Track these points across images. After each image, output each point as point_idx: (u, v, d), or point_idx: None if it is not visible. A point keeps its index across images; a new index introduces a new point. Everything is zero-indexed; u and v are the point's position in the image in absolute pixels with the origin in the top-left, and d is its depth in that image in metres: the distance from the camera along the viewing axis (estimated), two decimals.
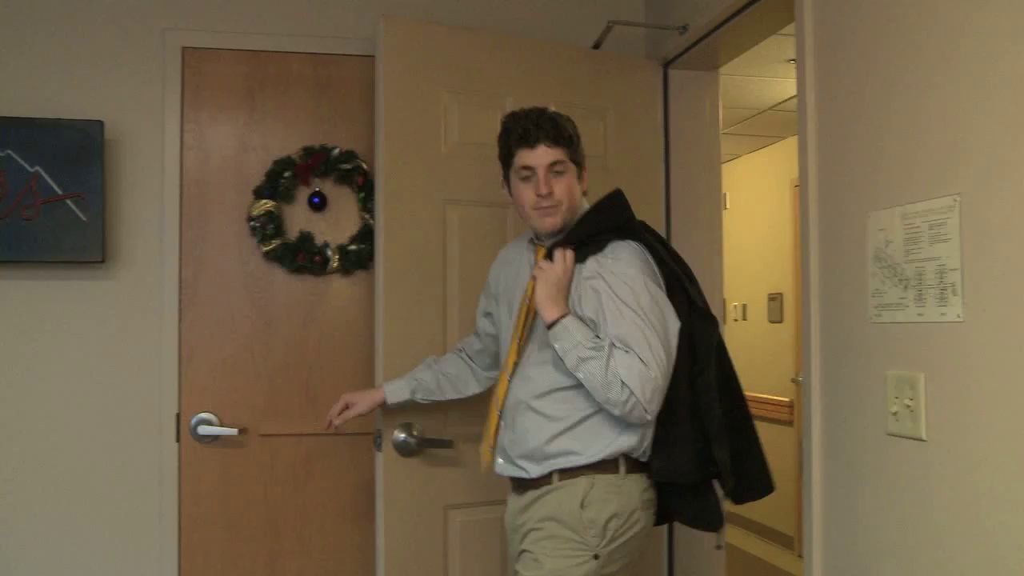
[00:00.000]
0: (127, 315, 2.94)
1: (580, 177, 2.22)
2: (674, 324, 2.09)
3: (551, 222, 2.17)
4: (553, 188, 2.14)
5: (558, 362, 2.09)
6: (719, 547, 2.22)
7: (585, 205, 2.24)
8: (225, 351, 3.00)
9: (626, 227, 2.17)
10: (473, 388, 2.58)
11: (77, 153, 2.82)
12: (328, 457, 3.04)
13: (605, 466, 2.09)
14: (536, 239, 2.27)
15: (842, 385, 2.13)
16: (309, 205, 3.05)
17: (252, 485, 2.99)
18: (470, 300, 2.62)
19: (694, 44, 3.00)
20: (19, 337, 2.88)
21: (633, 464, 2.12)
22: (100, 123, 2.84)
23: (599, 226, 2.16)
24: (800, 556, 5.30)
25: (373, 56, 3.00)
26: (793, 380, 5.78)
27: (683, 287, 2.16)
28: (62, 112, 2.87)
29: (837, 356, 2.15)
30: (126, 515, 2.91)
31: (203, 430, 2.94)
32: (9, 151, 2.78)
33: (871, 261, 1.98)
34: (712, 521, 2.19)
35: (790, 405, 5.91)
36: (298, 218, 3.05)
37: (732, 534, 4.72)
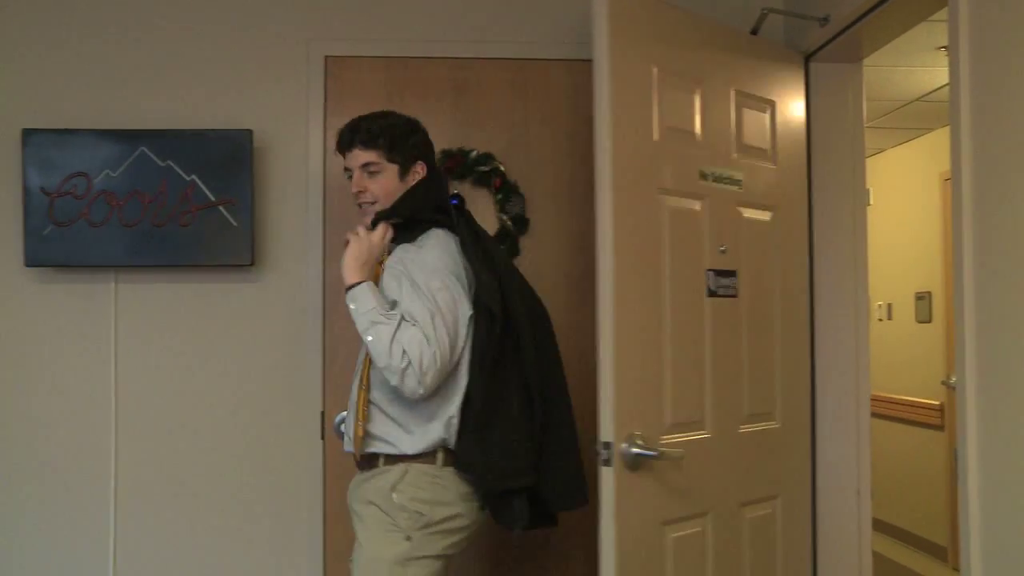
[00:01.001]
0: (274, 316, 3.06)
1: (407, 173, 2.35)
2: (465, 313, 2.21)
3: (367, 220, 2.33)
4: (367, 186, 2.32)
5: None
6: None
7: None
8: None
9: (440, 214, 2.33)
10: None
11: (229, 161, 2.96)
12: None
13: (424, 457, 2.21)
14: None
15: (1001, 388, 2.01)
16: None
17: None
18: (682, 293, 2.58)
19: (836, 36, 2.90)
20: (177, 337, 3.05)
21: (452, 456, 2.22)
22: (249, 132, 2.97)
23: (414, 206, 2.32)
24: (955, 569, 5.07)
25: (511, 59, 3.11)
26: (943, 383, 5.51)
27: (481, 281, 2.24)
28: (215, 123, 3.01)
29: (994, 357, 2.03)
30: (275, 510, 3.04)
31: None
32: (170, 162, 2.94)
33: None
34: (511, 519, 2.25)
35: (940, 409, 5.63)
36: None
37: (879, 543, 4.54)
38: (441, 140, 3.08)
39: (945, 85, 2.26)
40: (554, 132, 3.17)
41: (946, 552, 5.58)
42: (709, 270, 2.69)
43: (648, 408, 2.47)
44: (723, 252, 2.70)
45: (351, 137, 2.34)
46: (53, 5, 3.05)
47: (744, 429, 2.76)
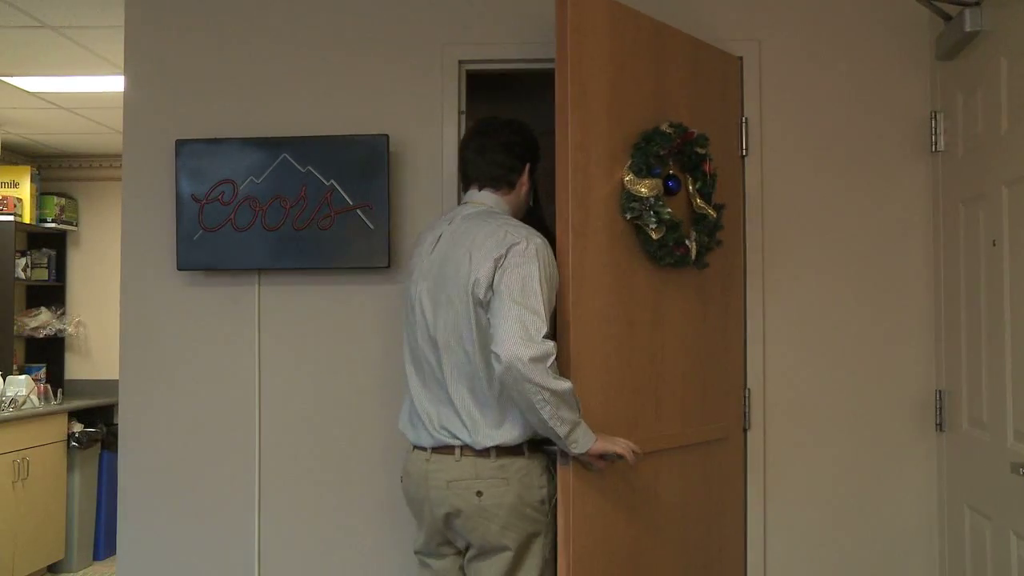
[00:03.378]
0: None
1: None
2: None
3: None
4: None
5: None
6: None
7: None
8: (595, 356, 2.54)
9: None
10: None
11: (366, 166, 3.02)
12: (669, 472, 2.76)
13: None
14: None
15: None
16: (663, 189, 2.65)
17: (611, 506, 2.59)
18: None
19: None
20: (316, 338, 3.14)
21: None
22: (386, 137, 3.04)
23: None
24: None
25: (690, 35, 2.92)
26: None
27: None
28: (352, 128, 3.09)
29: None
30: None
31: None
32: (310, 167, 3.03)
33: None
34: None
35: None
36: None
37: None
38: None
39: None
40: (710, 122, 2.91)
41: None
42: None
43: None
44: (994, 245, 2.60)
45: None
46: (201, 26, 3.20)
47: None
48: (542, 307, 2.29)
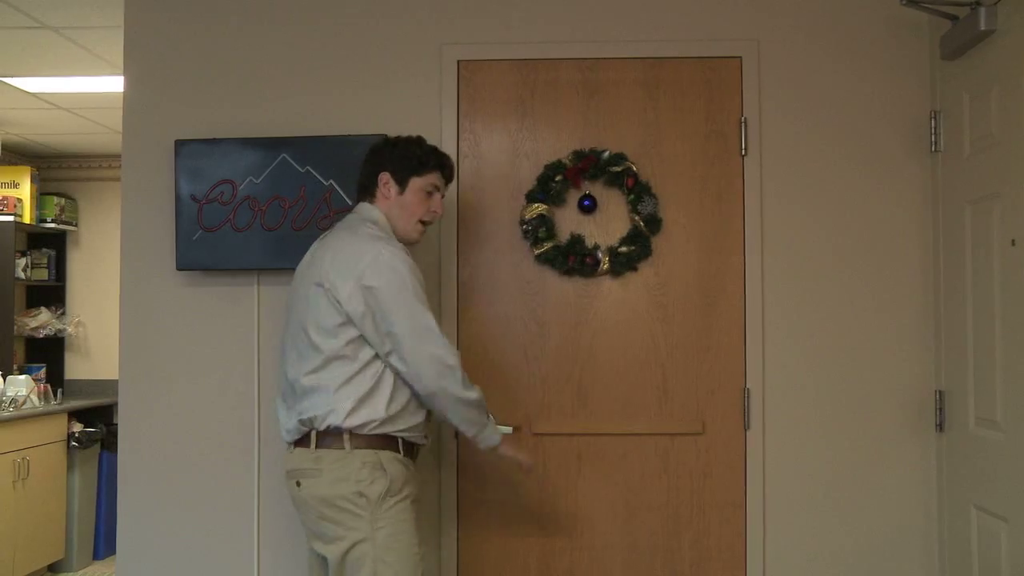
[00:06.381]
0: None
1: None
2: None
3: (421, 237, 2.70)
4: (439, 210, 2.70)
5: None
6: None
7: None
8: (501, 350, 3.09)
9: None
10: None
11: None
12: (598, 456, 3.09)
13: None
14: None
15: None
16: (579, 208, 3.10)
17: (525, 481, 3.07)
18: None
19: None
20: None
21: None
22: (384, 137, 3.02)
23: None
24: None
25: (642, 58, 3.09)
26: None
27: None
28: (351, 128, 3.09)
29: None
30: None
31: None
32: (309, 167, 3.04)
33: None
34: None
35: None
36: (568, 221, 3.11)
37: None
38: (572, 141, 3.11)
39: None
40: (687, 131, 3.12)
41: None
42: None
43: None
44: (1013, 244, 2.59)
45: (453, 170, 2.77)
46: (201, 26, 3.20)
47: None
48: (431, 319, 2.49)
